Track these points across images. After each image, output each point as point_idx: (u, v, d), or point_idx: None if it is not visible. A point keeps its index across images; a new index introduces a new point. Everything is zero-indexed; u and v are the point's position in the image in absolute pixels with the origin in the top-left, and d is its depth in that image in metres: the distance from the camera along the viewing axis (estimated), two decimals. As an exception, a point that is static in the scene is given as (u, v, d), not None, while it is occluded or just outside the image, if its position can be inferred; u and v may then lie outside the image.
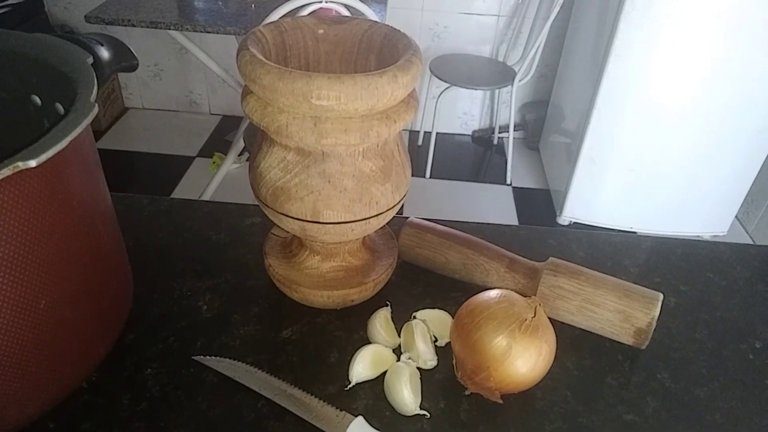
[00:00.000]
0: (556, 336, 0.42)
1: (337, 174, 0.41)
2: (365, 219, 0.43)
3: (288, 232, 0.52)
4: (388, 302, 0.49)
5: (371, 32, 0.45)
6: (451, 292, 0.52)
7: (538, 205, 2.23)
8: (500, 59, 2.41)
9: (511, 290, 0.44)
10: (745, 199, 1.99)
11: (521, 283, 0.49)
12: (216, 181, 2.03)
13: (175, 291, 0.50)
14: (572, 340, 0.48)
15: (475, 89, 2.16)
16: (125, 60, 0.46)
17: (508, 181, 2.34)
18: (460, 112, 2.60)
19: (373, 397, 0.43)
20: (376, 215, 0.43)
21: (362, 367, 0.43)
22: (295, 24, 0.45)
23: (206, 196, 2.00)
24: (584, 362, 0.47)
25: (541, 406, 0.43)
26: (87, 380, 0.42)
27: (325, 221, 0.42)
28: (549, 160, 2.35)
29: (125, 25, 1.64)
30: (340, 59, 0.47)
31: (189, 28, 1.66)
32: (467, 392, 0.43)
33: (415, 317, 0.47)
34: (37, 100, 0.43)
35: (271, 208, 0.43)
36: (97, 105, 0.35)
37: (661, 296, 0.46)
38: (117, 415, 0.40)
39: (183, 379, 0.43)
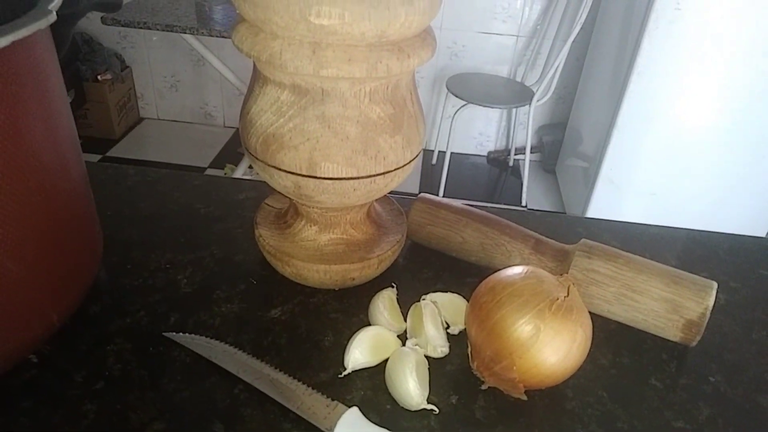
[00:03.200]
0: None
1: (339, 118, 0.35)
2: (370, 176, 0.37)
3: (283, 201, 0.46)
4: (393, 284, 0.43)
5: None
6: (466, 277, 0.45)
7: (555, 228, 2.16)
8: (518, 79, 2.37)
9: (538, 271, 0.38)
10: (771, 228, 1.91)
11: (549, 266, 0.42)
12: (224, 191, 1.99)
13: (152, 263, 0.44)
14: (608, 335, 0.41)
15: (492, 107, 2.11)
16: (108, -5, 0.41)
17: (524, 203, 2.27)
18: (476, 132, 2.56)
19: (371, 387, 0.36)
20: (383, 173, 0.37)
21: (360, 352, 0.37)
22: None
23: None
24: (622, 360, 0.39)
25: (573, 407, 0.36)
26: (37, 353, 0.36)
27: (322, 176, 0.36)
28: (566, 184, 2.28)
29: (141, 28, 1.63)
30: None
31: (204, 33, 1.64)
32: (484, 386, 0.36)
33: (424, 299, 0.40)
34: None
35: (261, 161, 0.37)
36: (55, 13, 0.29)
37: (715, 285, 0.39)
38: (66, 393, 0.34)
39: (149, 357, 0.37)
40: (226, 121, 2.65)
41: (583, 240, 0.42)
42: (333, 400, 0.34)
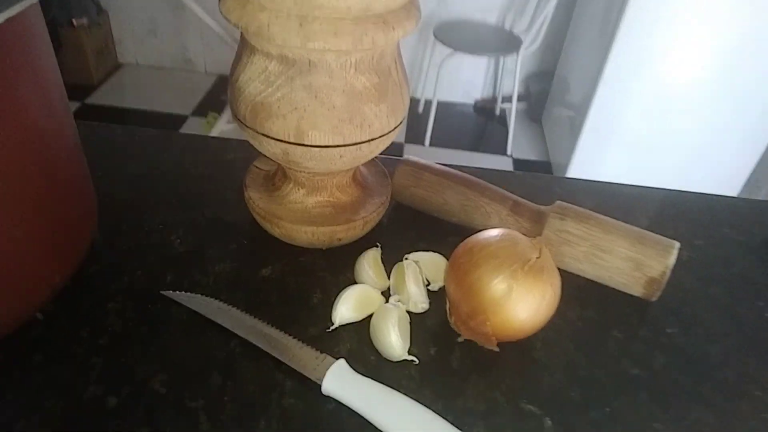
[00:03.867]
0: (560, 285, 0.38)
1: (325, 88, 0.36)
2: (356, 144, 0.38)
3: (271, 164, 0.48)
4: (378, 243, 0.45)
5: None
6: (447, 236, 0.47)
7: (538, 177, 2.19)
8: (507, 27, 2.33)
9: (514, 233, 0.40)
10: (746, 182, 1.95)
11: (525, 227, 0.45)
12: (209, 140, 1.97)
13: (146, 224, 0.46)
14: (577, 291, 0.44)
15: (480, 56, 2.09)
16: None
17: (509, 152, 2.29)
18: (463, 80, 2.53)
19: (357, 340, 0.39)
20: (368, 141, 0.39)
21: (347, 309, 0.40)
22: None
23: (198, 155, 1.94)
24: (589, 314, 0.43)
25: (540, 356, 0.39)
26: (42, 311, 0.38)
27: (310, 143, 0.38)
28: (551, 133, 2.30)
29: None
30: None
31: (183, -24, 1.58)
32: (460, 339, 0.39)
33: (407, 258, 0.43)
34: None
35: (251, 128, 0.39)
36: (45, -16, 0.30)
37: (677, 244, 0.42)
38: (73, 349, 0.36)
39: (148, 314, 0.39)
40: (208, 67, 2.59)
41: (557, 202, 0.45)
42: (322, 352, 0.37)
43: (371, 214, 0.45)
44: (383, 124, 0.39)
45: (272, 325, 0.39)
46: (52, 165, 0.35)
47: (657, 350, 0.41)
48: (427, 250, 0.45)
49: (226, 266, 0.43)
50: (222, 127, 1.99)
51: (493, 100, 2.54)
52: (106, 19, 2.43)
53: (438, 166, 0.49)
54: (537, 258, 0.37)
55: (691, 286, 0.46)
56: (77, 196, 0.39)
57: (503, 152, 2.29)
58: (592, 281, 0.44)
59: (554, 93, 2.32)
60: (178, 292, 0.40)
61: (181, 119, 2.27)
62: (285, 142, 0.38)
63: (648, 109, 1.80)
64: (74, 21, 2.21)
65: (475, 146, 2.33)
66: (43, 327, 0.37)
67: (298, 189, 0.44)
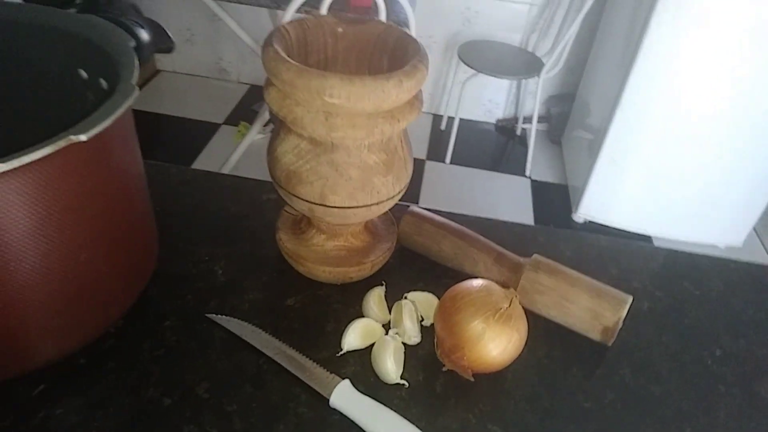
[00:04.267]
0: (532, 327, 0.47)
1: (344, 164, 0.45)
2: (366, 206, 0.48)
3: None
4: (383, 282, 0.54)
5: (385, 35, 0.49)
6: (442, 278, 0.56)
7: (555, 200, 2.25)
8: (530, 49, 2.40)
9: (496, 281, 0.49)
10: (764, 212, 1.98)
11: (506, 275, 0.53)
12: (240, 150, 2.09)
13: (195, 255, 0.56)
14: (546, 332, 0.52)
15: (502, 78, 2.16)
16: (163, 42, 0.51)
17: (528, 174, 2.36)
18: (485, 99, 2.61)
19: (360, 364, 0.48)
20: (377, 203, 0.48)
21: (354, 338, 0.49)
22: (317, 22, 0.49)
23: (229, 165, 2.06)
24: (554, 353, 0.51)
25: (509, 387, 0.48)
26: (114, 326, 0.48)
27: (330, 205, 0.47)
28: (570, 156, 2.36)
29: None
30: (356, 57, 0.51)
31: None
32: (444, 368, 0.48)
33: (405, 298, 0.52)
34: (84, 74, 0.48)
35: (284, 189, 0.48)
36: (137, 87, 0.40)
37: (630, 299, 0.50)
38: (137, 358, 0.47)
39: (196, 333, 0.49)
40: (241, 77, 2.72)
41: (534, 255, 0.53)
42: (331, 372, 0.46)
43: (379, 257, 0.54)
44: (389, 190, 0.48)
45: (293, 347, 0.48)
46: (130, 209, 0.45)
47: (608, 388, 0.49)
48: (424, 290, 0.54)
49: (259, 295, 0.53)
50: (253, 137, 2.10)
51: (515, 119, 2.61)
52: (149, 28, 2.57)
53: (437, 218, 0.58)
54: (507, 307, 0.45)
55: (645, 333, 0.54)
56: (146, 233, 0.49)
57: (522, 173, 2.36)
58: (560, 325, 0.53)
59: (574, 116, 2.38)
60: (219, 315, 0.50)
61: (214, 127, 2.40)
62: (311, 202, 0.47)
63: (665, 134, 1.84)
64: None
65: (495, 166, 2.40)
66: (115, 339, 0.48)
67: (320, 234, 0.54)
